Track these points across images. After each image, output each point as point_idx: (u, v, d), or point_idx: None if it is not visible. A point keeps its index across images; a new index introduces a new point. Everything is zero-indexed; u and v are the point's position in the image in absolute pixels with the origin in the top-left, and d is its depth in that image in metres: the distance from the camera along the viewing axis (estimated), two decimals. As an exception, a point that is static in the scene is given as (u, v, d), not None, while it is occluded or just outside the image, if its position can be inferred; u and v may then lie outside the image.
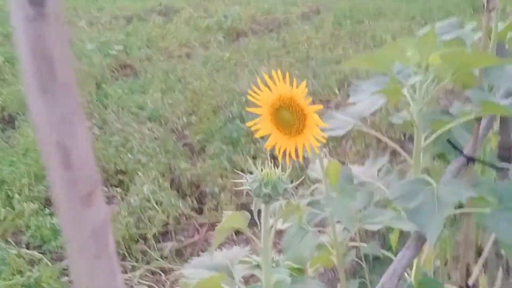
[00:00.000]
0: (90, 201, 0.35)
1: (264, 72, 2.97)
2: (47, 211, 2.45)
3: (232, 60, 4.40)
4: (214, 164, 2.69)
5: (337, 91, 3.74)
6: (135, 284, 2.08)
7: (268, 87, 0.81)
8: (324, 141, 0.78)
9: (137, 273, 2.16)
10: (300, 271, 0.89)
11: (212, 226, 2.41)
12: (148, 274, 2.16)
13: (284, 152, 0.82)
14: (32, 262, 2.22)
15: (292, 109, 0.80)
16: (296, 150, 0.82)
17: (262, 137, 0.86)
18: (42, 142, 0.32)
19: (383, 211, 0.95)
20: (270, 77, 0.81)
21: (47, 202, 2.63)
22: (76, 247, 0.35)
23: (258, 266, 0.82)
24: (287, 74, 0.78)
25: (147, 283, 2.10)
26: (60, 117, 0.31)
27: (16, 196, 2.56)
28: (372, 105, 1.17)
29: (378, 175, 1.30)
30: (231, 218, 0.78)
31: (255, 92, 0.82)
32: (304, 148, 0.82)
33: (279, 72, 0.80)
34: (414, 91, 1.07)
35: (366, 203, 1.01)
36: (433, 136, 1.06)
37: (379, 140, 2.91)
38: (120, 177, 2.79)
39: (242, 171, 2.77)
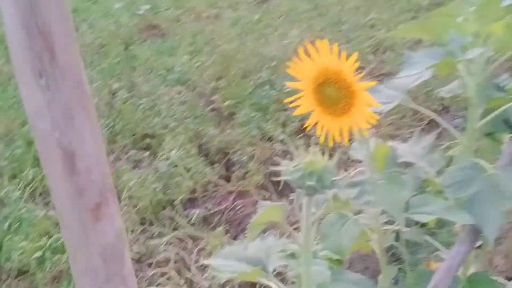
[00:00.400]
0: (99, 214, 0.27)
1: (294, 35, 2.86)
2: (74, 174, 2.42)
3: (261, 23, 4.26)
4: (242, 132, 2.62)
5: (371, 58, 3.59)
6: (162, 250, 2.06)
7: (311, 58, 0.72)
8: (375, 122, 0.69)
9: (164, 239, 2.13)
10: (340, 262, 0.82)
11: (240, 195, 2.36)
12: (175, 241, 2.13)
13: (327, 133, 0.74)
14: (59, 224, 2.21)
15: (338, 85, 0.70)
16: (341, 132, 0.74)
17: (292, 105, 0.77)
18: (40, 141, 0.25)
19: (434, 200, 0.86)
20: (312, 45, 0.71)
21: (74, 165, 2.62)
22: (82, 269, 0.28)
23: (293, 256, 0.75)
24: (334, 45, 0.69)
25: (174, 249, 2.08)
26: (62, 109, 0.23)
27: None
28: (418, 78, 1.07)
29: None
30: (268, 212, 0.70)
31: (295, 63, 0.73)
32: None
33: (325, 41, 0.71)
34: (471, 64, 0.96)
35: (414, 189, 0.92)
36: (490, 115, 0.96)
37: (415, 112, 2.79)
38: (148, 140, 2.75)
39: (271, 139, 2.70)
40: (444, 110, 3.07)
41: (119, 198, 2.29)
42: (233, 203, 2.30)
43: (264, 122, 2.72)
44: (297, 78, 0.74)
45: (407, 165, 1.28)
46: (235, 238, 2.16)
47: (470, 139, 1.00)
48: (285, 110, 2.80)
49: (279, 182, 2.48)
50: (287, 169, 0.70)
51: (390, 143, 1.27)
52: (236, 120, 2.81)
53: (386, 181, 0.83)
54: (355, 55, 0.68)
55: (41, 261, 1.93)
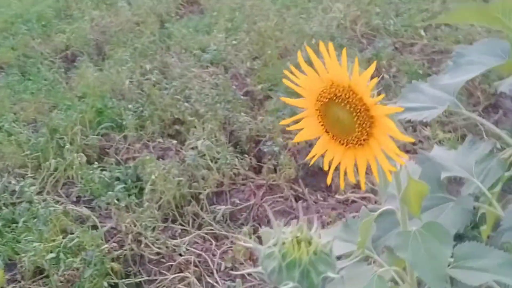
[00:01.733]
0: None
1: (339, 9, 2.58)
2: (96, 164, 2.30)
3: (305, -4, 3.98)
4: (276, 119, 2.41)
5: (422, 33, 3.27)
6: (183, 252, 1.91)
7: (315, 69, 0.51)
8: (402, 162, 0.48)
9: (187, 238, 1.98)
10: None
11: (270, 189, 2.17)
12: (198, 241, 1.97)
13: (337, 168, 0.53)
14: (79, 220, 2.10)
15: (350, 106, 0.49)
16: (356, 167, 0.52)
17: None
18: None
19: (487, 251, 0.63)
20: (316, 51, 0.50)
21: (100, 153, 2.50)
22: None
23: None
24: (343, 52, 0.47)
25: (196, 251, 1.92)
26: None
27: (68, 145, 2.43)
28: (469, 74, 0.83)
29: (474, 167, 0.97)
30: None
31: (295, 75, 0.52)
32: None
33: (330, 45, 0.49)
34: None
35: (461, 225, 0.70)
36: None
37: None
38: (177, 127, 2.59)
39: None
40: (504, 93, 2.74)
41: (142, 192, 2.16)
42: (262, 199, 2.12)
43: (299, 108, 2.49)
44: (299, 93, 0.53)
45: (457, 182, 1.04)
46: (263, 238, 1.98)
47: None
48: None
49: (313, 174, 2.24)
50: (258, 252, 0.49)
51: (434, 150, 1.04)
52: (270, 105, 2.60)
53: (424, 233, 0.62)
54: (372, 67, 0.47)
55: (55, 262, 1.81)
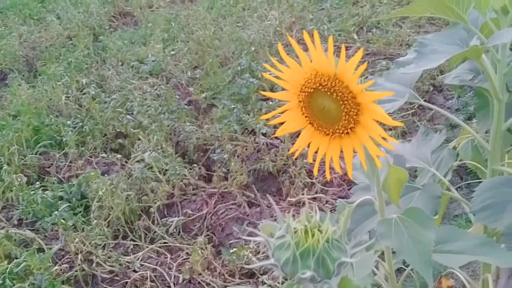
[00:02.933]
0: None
1: (274, 16, 2.61)
2: (37, 184, 2.19)
3: (239, 5, 4.00)
4: (222, 126, 2.40)
5: (355, 36, 3.37)
6: (137, 268, 1.85)
7: (300, 58, 0.51)
8: (392, 148, 0.48)
9: (140, 254, 1.92)
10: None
11: (222, 197, 2.15)
12: (152, 255, 1.92)
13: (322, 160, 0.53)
14: (23, 243, 1.99)
15: (336, 95, 0.49)
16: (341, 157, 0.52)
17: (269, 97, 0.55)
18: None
19: (463, 234, 0.65)
20: (299, 41, 0.50)
21: (40, 173, 2.39)
22: None
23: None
24: (329, 39, 0.48)
25: (150, 266, 1.87)
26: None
27: (5, 166, 2.30)
28: (435, 62, 0.86)
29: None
30: None
31: (276, 68, 0.52)
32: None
33: (315, 33, 0.49)
34: (496, 51, 0.76)
35: (432, 211, 0.72)
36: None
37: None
38: (121, 141, 2.52)
39: (253, 133, 2.49)
40: (436, 89, 2.88)
41: (88, 210, 2.07)
42: (214, 207, 2.09)
43: (245, 114, 2.50)
44: (280, 86, 0.53)
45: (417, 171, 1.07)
46: (218, 246, 1.96)
47: (496, 144, 0.80)
48: (268, 99, 2.58)
49: (263, 179, 2.24)
50: (267, 244, 0.47)
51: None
52: (215, 113, 2.58)
53: (405, 219, 0.63)
54: (359, 53, 0.47)
55: (1, 288, 1.71)
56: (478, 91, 1.00)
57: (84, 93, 2.88)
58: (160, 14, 4.07)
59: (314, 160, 0.54)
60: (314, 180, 2.14)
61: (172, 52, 3.30)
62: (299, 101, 0.52)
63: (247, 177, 2.19)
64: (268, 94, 0.54)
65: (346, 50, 3.35)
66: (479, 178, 1.15)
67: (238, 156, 2.27)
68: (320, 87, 0.49)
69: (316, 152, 0.53)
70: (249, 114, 2.49)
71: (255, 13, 3.80)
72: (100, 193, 2.06)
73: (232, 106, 2.56)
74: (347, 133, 0.50)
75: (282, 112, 0.53)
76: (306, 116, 0.52)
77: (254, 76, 2.77)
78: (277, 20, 3.57)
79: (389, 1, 3.65)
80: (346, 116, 0.49)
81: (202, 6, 4.10)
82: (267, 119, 0.54)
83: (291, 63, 0.50)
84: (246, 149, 2.31)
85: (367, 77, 2.68)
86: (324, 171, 0.52)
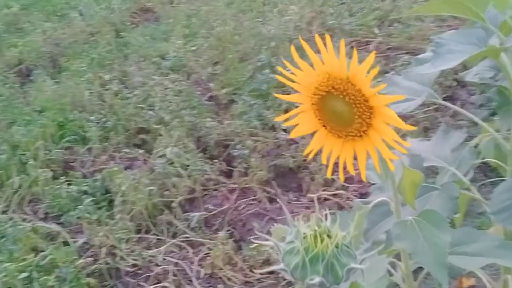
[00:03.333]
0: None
1: (294, 11, 2.61)
2: (62, 179, 2.24)
3: (259, 0, 4.00)
4: (242, 122, 2.42)
5: (376, 31, 3.35)
6: (160, 262, 1.88)
7: (312, 62, 0.51)
8: (405, 151, 0.49)
9: (162, 248, 1.95)
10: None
11: (243, 193, 2.17)
12: (174, 250, 1.95)
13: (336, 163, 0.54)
14: (49, 237, 2.04)
15: (349, 98, 0.50)
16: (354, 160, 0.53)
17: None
18: None
19: (481, 235, 0.65)
20: (311, 42, 0.51)
21: (65, 168, 2.44)
22: None
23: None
24: (341, 43, 0.48)
25: (172, 260, 1.90)
26: None
27: (31, 161, 2.36)
28: (451, 62, 0.85)
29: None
30: None
31: (290, 71, 0.53)
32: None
33: (327, 37, 0.50)
34: (515, 49, 0.75)
35: (450, 213, 0.72)
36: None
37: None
38: (143, 136, 2.55)
39: (273, 129, 2.50)
40: (460, 84, 2.84)
41: (111, 204, 2.12)
42: (235, 202, 2.11)
43: (265, 109, 2.51)
44: (293, 88, 0.54)
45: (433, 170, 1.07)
46: (239, 241, 1.98)
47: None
48: (288, 94, 2.58)
49: (283, 175, 2.25)
50: (278, 250, 0.48)
51: (411, 141, 1.06)
52: (235, 109, 2.60)
53: (421, 221, 0.63)
54: (372, 57, 0.48)
55: (28, 281, 1.76)
56: (500, 89, 0.99)
57: (106, 89, 2.93)
58: (180, 10, 4.09)
59: (329, 162, 0.55)
60: (334, 177, 2.14)
61: (192, 48, 3.32)
62: (312, 104, 0.53)
63: (268, 173, 2.20)
64: (282, 96, 0.56)
65: (367, 45, 3.34)
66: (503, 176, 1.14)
67: (258, 152, 2.29)
68: (332, 90, 0.50)
69: (329, 154, 0.54)
70: (269, 110, 2.50)
71: (275, 8, 3.79)
72: (123, 188, 2.10)
73: (252, 102, 2.57)
74: (360, 136, 0.51)
75: (296, 114, 0.54)
76: (319, 119, 0.53)
77: (274, 71, 2.78)
78: (297, 15, 3.56)
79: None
80: (358, 119, 0.50)
81: (222, 2, 4.11)
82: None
83: (303, 66, 0.51)
84: (266, 145, 2.32)
85: (387, 72, 2.66)
86: (343, 170, 0.54)
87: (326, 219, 0.48)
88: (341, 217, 0.85)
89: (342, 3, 3.76)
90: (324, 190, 2.10)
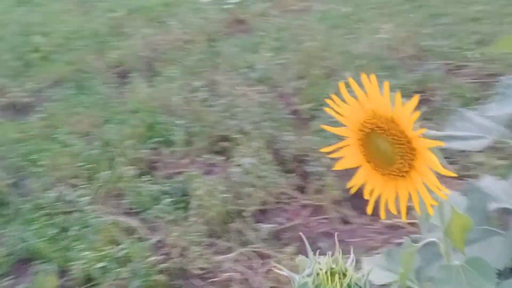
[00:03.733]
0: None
1: (387, 30, 2.58)
2: (146, 177, 2.38)
3: (352, 16, 3.99)
4: (321, 139, 2.43)
5: (474, 55, 3.21)
6: (227, 269, 1.94)
7: (358, 99, 0.53)
8: (445, 197, 0.49)
9: (231, 255, 2.01)
10: None
11: (315, 210, 2.18)
12: (241, 258, 2.00)
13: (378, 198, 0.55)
14: (127, 231, 2.17)
15: (392, 138, 0.51)
16: (397, 199, 0.54)
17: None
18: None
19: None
20: (359, 83, 0.53)
21: (149, 167, 2.58)
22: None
23: None
24: (385, 84, 0.50)
25: (239, 268, 1.95)
26: None
27: (119, 158, 2.52)
28: (508, 110, 0.82)
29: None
30: None
31: (337, 104, 0.55)
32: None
33: (373, 77, 0.52)
34: None
35: (509, 261, 0.69)
36: None
37: None
38: (224, 144, 2.64)
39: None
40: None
41: (187, 207, 2.21)
42: (307, 218, 2.13)
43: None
44: (340, 122, 0.56)
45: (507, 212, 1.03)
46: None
47: None
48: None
49: (359, 196, 2.23)
50: (292, 281, 0.50)
51: (483, 180, 1.03)
52: (316, 125, 2.62)
53: (467, 268, 0.62)
54: (415, 99, 0.49)
55: (104, 271, 1.88)
56: None
57: (195, 96, 3.06)
58: (273, 22, 4.18)
59: (371, 197, 0.56)
60: (411, 204, 2.09)
61: (280, 61, 3.38)
62: (358, 139, 0.54)
63: (342, 193, 2.20)
64: (329, 128, 0.58)
65: (462, 69, 3.21)
66: None
67: (335, 171, 2.28)
68: (377, 128, 0.52)
69: (373, 190, 0.55)
70: (349, 128, 2.49)
71: (368, 25, 3.77)
72: (200, 192, 2.19)
73: (334, 119, 2.57)
74: (402, 176, 0.52)
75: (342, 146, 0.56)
76: (364, 154, 0.55)
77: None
78: (390, 34, 3.51)
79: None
80: (400, 159, 0.51)
81: (314, 17, 4.15)
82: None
83: (351, 101, 0.53)
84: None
85: (479, 99, 2.53)
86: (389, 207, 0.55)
87: (349, 257, 0.49)
88: (395, 252, 0.85)
89: (438, 24, 3.66)
90: (398, 218, 2.06)
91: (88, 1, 5.04)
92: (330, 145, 2.24)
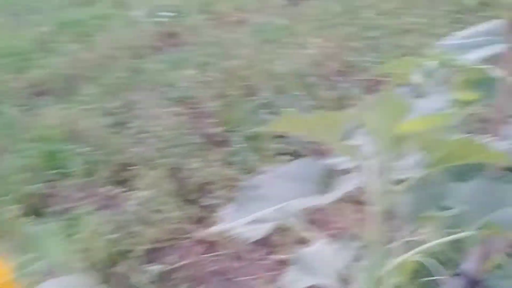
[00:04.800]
0: None
1: (314, 43, 2.42)
2: (30, 217, 2.17)
3: (286, 30, 3.86)
4: (229, 166, 2.26)
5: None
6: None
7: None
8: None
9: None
10: None
11: (210, 246, 2.00)
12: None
13: None
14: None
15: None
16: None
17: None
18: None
19: None
20: None
21: (39, 204, 2.36)
22: None
23: None
24: None
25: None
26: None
27: (4, 197, 2.30)
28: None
29: None
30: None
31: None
32: None
33: None
34: None
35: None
36: None
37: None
38: (126, 173, 2.44)
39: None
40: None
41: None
42: (199, 257, 1.95)
43: (252, 154, 2.34)
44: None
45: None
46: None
47: None
48: (281, 137, 2.40)
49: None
50: None
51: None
52: (226, 150, 2.45)
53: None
54: None
55: None
56: None
57: (106, 119, 2.86)
58: (205, 36, 4.00)
59: None
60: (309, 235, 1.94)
61: (203, 79, 3.21)
62: None
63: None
64: None
65: (380, 84, 3.08)
66: None
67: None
68: None
69: None
70: (256, 154, 2.33)
71: (297, 40, 3.63)
72: (84, 234, 1.99)
73: (244, 145, 2.41)
74: None
75: None
76: None
77: (273, 112, 2.61)
78: (318, 49, 3.38)
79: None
80: None
81: (248, 30, 3.99)
82: None
83: None
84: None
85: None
86: None
87: None
88: None
89: (369, 38, 3.53)
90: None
91: (21, 14, 4.80)
92: (236, 170, 2.02)
